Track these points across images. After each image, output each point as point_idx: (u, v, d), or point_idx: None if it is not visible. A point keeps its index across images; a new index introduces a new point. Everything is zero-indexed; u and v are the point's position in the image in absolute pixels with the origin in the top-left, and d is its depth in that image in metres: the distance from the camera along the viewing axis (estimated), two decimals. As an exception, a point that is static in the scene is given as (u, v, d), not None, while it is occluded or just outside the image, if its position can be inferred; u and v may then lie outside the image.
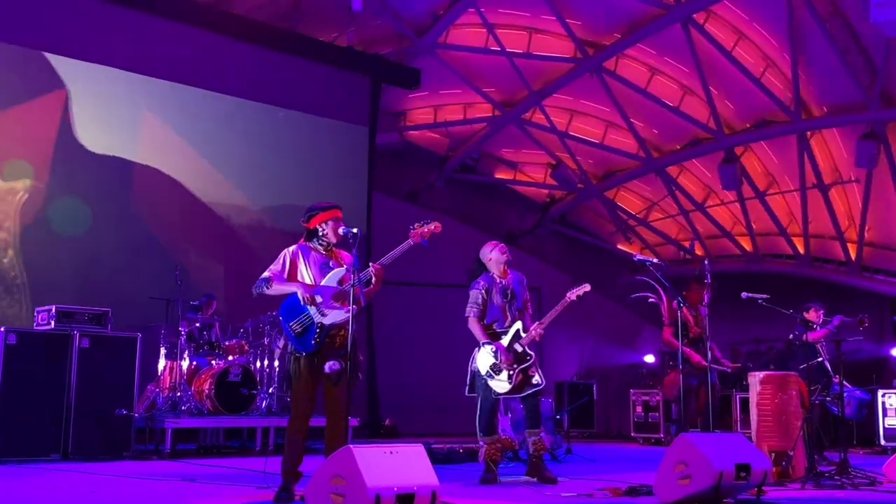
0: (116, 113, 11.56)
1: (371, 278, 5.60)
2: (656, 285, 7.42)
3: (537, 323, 6.82)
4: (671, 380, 7.68)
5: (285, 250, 5.77)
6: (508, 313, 6.89)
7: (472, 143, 16.44)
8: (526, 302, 7.03)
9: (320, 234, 5.76)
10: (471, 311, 6.90)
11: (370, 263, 5.64)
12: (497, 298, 6.89)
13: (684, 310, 7.88)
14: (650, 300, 7.40)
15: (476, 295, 6.92)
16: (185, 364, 9.77)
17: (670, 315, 7.59)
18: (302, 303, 5.54)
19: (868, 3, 10.63)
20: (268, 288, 5.63)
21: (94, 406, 8.34)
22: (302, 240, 5.86)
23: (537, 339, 6.84)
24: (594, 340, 16.35)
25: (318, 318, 5.55)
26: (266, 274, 5.66)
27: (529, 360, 6.78)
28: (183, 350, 9.72)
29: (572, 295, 6.83)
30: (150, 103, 11.80)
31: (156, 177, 11.74)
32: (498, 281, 6.94)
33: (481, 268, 7.01)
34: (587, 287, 6.85)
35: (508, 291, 6.92)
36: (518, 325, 6.84)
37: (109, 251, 11.21)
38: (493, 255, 6.97)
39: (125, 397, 8.57)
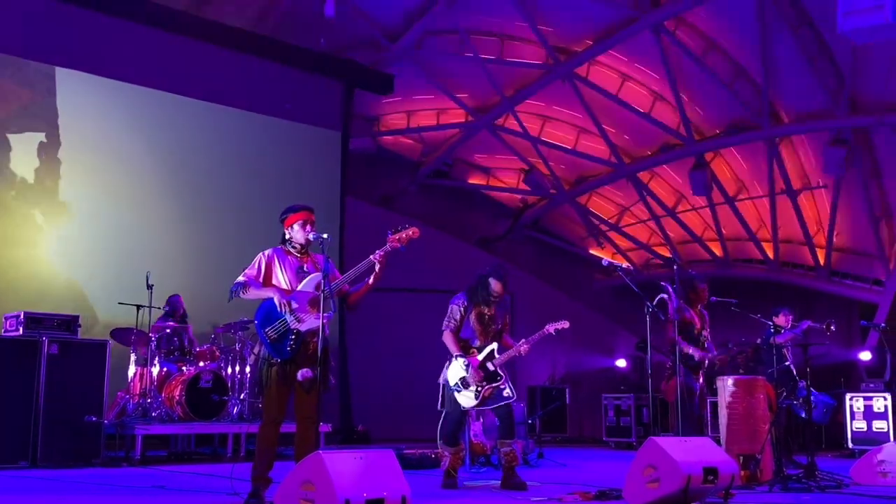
0: (87, 117, 11.46)
1: (375, 266, 5.55)
2: (668, 285, 7.45)
3: (524, 341, 6.86)
4: (674, 384, 7.70)
5: (261, 254, 5.74)
6: (483, 336, 6.93)
7: (446, 149, 16.48)
8: (505, 324, 7.08)
9: (289, 236, 5.75)
10: (447, 325, 6.94)
11: (373, 255, 5.58)
12: (474, 319, 6.92)
13: (690, 310, 7.93)
14: (663, 297, 7.42)
15: (455, 310, 6.96)
16: (155, 370, 9.70)
17: (677, 312, 7.63)
18: (279, 308, 5.52)
19: (835, 12, 10.76)
20: (244, 293, 5.59)
21: (64, 413, 8.25)
22: (280, 243, 5.84)
23: (524, 354, 6.89)
24: (567, 345, 16.42)
25: (294, 325, 5.53)
26: (241, 278, 5.63)
27: (499, 380, 6.81)
28: (153, 356, 9.65)
29: (551, 328, 6.92)
30: (120, 108, 11.71)
31: (126, 182, 11.65)
32: (480, 306, 6.95)
33: (480, 286, 6.99)
34: (566, 324, 6.94)
35: (486, 318, 6.95)
36: (493, 346, 6.88)
37: (79, 256, 11.12)
38: (494, 287, 6.95)
39: (95, 404, 8.48)
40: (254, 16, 13.43)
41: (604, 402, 14.02)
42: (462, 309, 6.94)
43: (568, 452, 11.53)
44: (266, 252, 5.73)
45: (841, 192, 13.94)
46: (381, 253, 5.60)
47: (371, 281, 5.62)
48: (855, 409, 11.47)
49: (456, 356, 6.84)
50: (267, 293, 5.56)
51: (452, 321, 6.94)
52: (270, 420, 5.57)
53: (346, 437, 12.56)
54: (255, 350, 6.01)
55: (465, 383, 6.79)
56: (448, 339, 6.91)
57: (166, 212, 11.94)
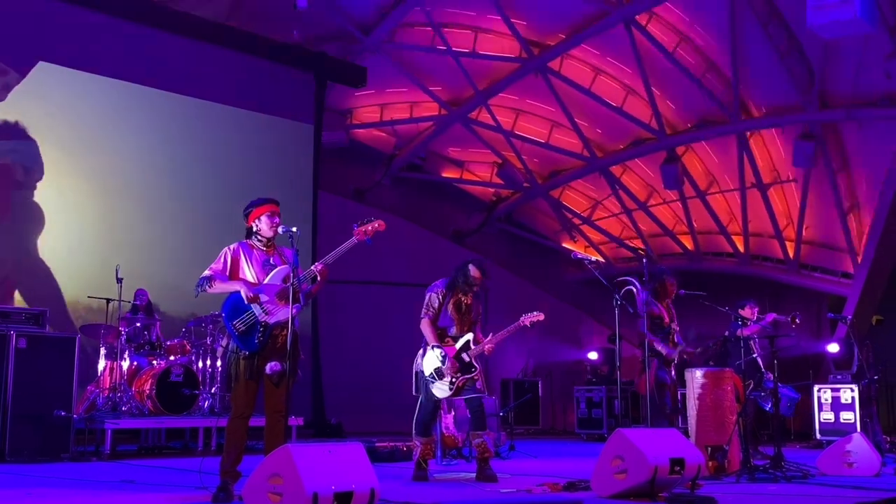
0: (55, 108, 11.35)
1: (316, 276, 5.60)
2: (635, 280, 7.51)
3: (491, 336, 6.90)
4: (647, 378, 7.77)
5: (226, 248, 5.72)
6: (459, 325, 6.95)
7: (419, 142, 16.47)
8: (478, 315, 7.11)
9: (256, 229, 5.74)
10: (425, 313, 6.96)
11: (314, 264, 5.63)
12: (452, 308, 6.94)
13: (658, 304, 7.99)
14: (631, 289, 7.48)
15: (433, 298, 6.98)
16: (125, 364, 9.64)
17: (644, 307, 7.69)
18: (246, 301, 5.51)
19: (805, 7, 10.86)
20: (209, 287, 5.57)
21: (32, 407, 8.17)
22: (245, 237, 5.83)
23: (487, 353, 6.94)
24: (539, 338, 16.47)
25: (262, 317, 5.52)
26: (207, 272, 5.61)
27: (474, 371, 6.84)
28: (123, 350, 9.59)
29: (526, 320, 6.96)
30: (90, 100, 11.61)
31: (96, 174, 11.55)
32: (458, 294, 6.97)
33: (460, 273, 7.00)
34: (541, 316, 6.97)
35: (463, 306, 6.98)
36: (469, 336, 6.91)
37: (48, 249, 11.02)
38: (473, 273, 6.98)
39: (64, 398, 8.40)
40: (225, 7, 13.35)
41: (575, 395, 14.09)
42: (440, 297, 6.96)
43: (540, 444, 11.58)
44: (231, 246, 5.72)
45: (810, 185, 14.08)
46: (345, 248, 5.64)
47: (314, 289, 5.66)
48: (823, 401, 11.61)
49: (433, 346, 6.85)
50: (233, 287, 5.55)
51: (431, 309, 6.95)
52: (239, 413, 5.56)
53: (319, 430, 12.55)
54: (224, 343, 6.00)
55: (439, 373, 6.80)
56: (426, 327, 6.92)
57: (137, 204, 11.84)
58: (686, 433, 7.02)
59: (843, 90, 12.88)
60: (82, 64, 11.52)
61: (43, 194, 11.14)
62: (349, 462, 4.70)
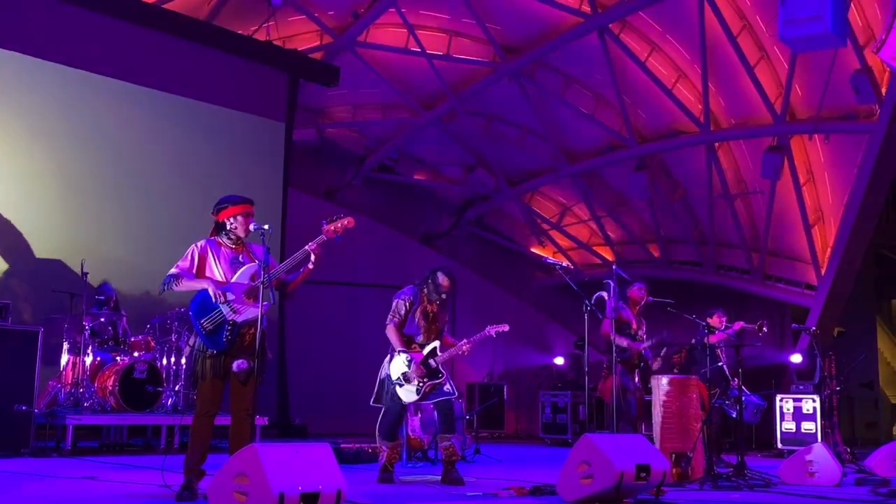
0: (26, 102, 11.19)
1: (310, 256, 5.54)
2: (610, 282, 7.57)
3: (466, 340, 6.91)
4: (609, 384, 7.82)
5: (193, 245, 5.67)
6: (426, 333, 6.95)
7: (391, 143, 16.44)
8: (444, 323, 7.11)
9: (229, 227, 5.68)
10: (391, 320, 6.96)
11: (308, 244, 5.57)
12: (419, 316, 6.94)
13: (628, 309, 8.05)
14: (602, 295, 7.54)
15: (400, 305, 6.98)
16: (88, 359, 9.52)
17: (613, 312, 7.75)
18: (213, 300, 5.46)
19: (776, 20, 10.98)
20: (176, 285, 5.51)
21: (-8, 401, 8.08)
22: (211, 234, 5.78)
23: (465, 354, 6.93)
24: (505, 342, 16.52)
25: (230, 316, 5.48)
26: (174, 270, 5.55)
27: (440, 377, 6.85)
28: (87, 345, 9.47)
29: (492, 330, 6.96)
30: (58, 92, 11.45)
31: (64, 167, 11.40)
32: (425, 302, 6.96)
33: (427, 285, 6.98)
34: (506, 327, 6.99)
35: (430, 315, 6.98)
36: (436, 343, 6.91)
37: (11, 243, 10.87)
38: (441, 281, 6.97)
39: (25, 392, 8.31)
40: (196, 2, 13.23)
41: (541, 399, 14.15)
42: (407, 304, 6.96)
43: (504, 449, 11.61)
44: (199, 243, 5.67)
45: (776, 197, 14.23)
46: (315, 244, 5.59)
47: (309, 268, 5.60)
48: (784, 410, 11.74)
49: (399, 351, 6.84)
50: (201, 284, 5.51)
51: (397, 316, 6.95)
52: (205, 412, 5.52)
53: (283, 430, 12.49)
54: (191, 342, 5.94)
55: (406, 378, 6.80)
56: (391, 333, 6.92)
57: (103, 199, 11.69)
58: (651, 439, 7.07)
59: (811, 104, 13.03)
60: (50, 55, 11.35)
61: (7, 185, 10.97)
62: (316, 462, 4.68)
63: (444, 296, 7.00)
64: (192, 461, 5.43)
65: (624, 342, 8.23)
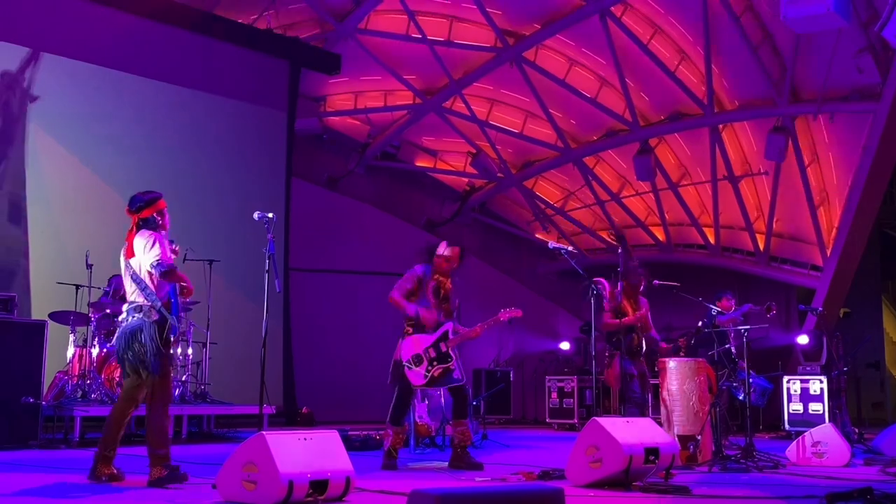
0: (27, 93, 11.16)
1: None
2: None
3: (481, 323, 6.91)
4: (613, 371, 7.77)
5: (158, 237, 6.03)
6: (437, 309, 6.91)
7: (393, 131, 16.39)
8: (456, 307, 7.07)
9: (159, 222, 6.05)
10: (396, 289, 6.87)
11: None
12: (429, 293, 6.90)
13: (623, 297, 7.99)
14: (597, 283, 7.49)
15: (409, 277, 6.91)
16: (95, 351, 9.52)
17: (611, 300, 7.70)
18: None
19: (779, 1, 10.92)
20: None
21: (0, 394, 8.07)
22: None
23: (479, 335, 6.94)
24: (511, 328, 16.51)
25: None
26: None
27: (450, 361, 6.81)
28: (93, 337, 9.47)
29: (504, 316, 6.93)
30: (61, 84, 11.42)
31: (66, 160, 11.38)
32: (437, 276, 6.93)
33: (428, 258, 6.96)
34: (519, 313, 6.96)
35: (441, 291, 6.94)
36: (448, 326, 6.87)
37: (17, 235, 10.86)
38: (445, 252, 6.94)
39: (32, 385, 8.31)
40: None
41: (547, 384, 14.16)
42: (416, 279, 6.90)
43: (511, 434, 11.61)
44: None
45: (781, 178, 14.18)
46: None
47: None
48: (792, 392, 11.73)
49: (407, 320, 6.79)
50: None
51: (402, 288, 6.89)
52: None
53: (290, 418, 12.50)
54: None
55: (417, 360, 6.77)
56: (398, 299, 6.84)
57: (107, 190, 11.66)
58: (658, 423, 7.05)
59: (814, 84, 12.98)
60: (52, 47, 11.33)
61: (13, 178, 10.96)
62: (324, 450, 4.68)
63: (454, 264, 6.96)
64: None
65: (607, 317, 8.11)
